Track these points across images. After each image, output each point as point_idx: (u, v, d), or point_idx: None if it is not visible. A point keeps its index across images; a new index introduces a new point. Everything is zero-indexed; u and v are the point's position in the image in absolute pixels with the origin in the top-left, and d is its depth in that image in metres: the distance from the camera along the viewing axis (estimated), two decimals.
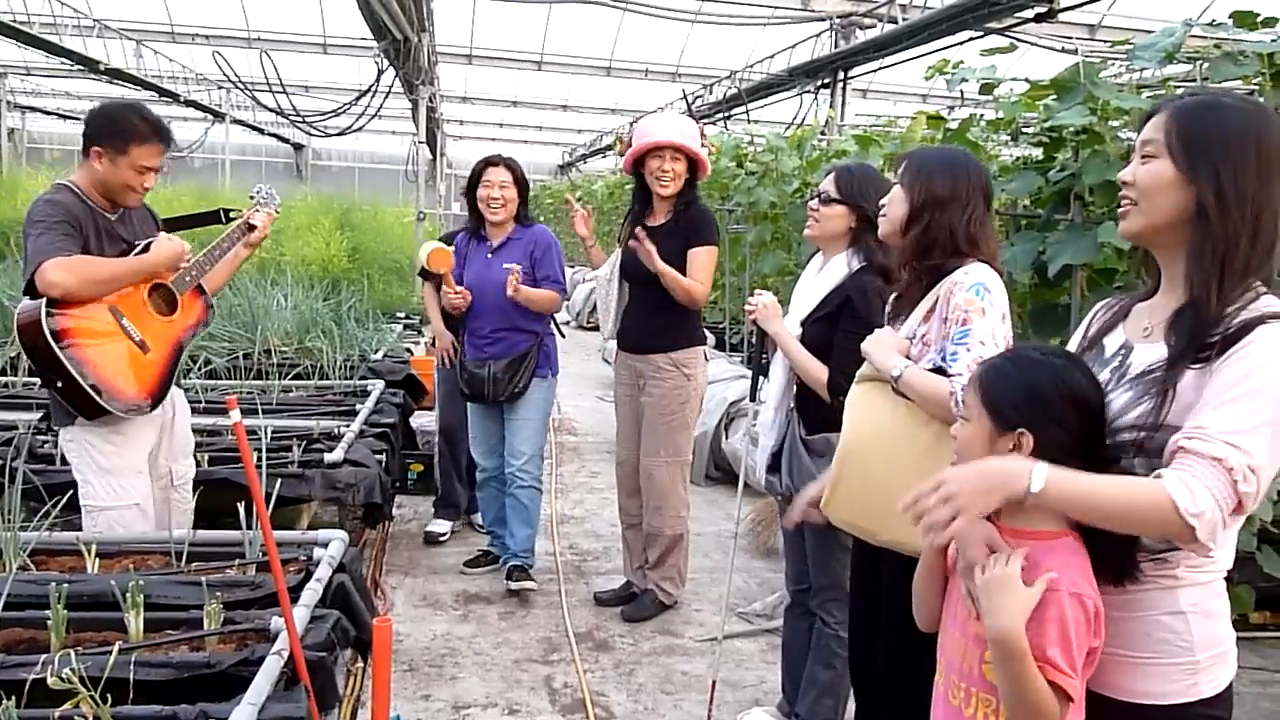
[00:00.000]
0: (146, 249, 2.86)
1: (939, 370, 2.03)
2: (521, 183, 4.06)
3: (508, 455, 4.05)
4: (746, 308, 2.77)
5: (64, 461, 3.39)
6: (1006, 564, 1.45)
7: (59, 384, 2.65)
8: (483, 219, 4.06)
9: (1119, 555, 1.47)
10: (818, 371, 2.59)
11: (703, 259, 3.62)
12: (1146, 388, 1.47)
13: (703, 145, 3.65)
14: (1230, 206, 1.44)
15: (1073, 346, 1.70)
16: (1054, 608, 1.41)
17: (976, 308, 2.01)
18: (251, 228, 3.18)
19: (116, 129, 2.76)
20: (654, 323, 3.70)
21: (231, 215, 3.26)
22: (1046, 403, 1.48)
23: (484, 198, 4.00)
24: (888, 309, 2.34)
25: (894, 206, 2.21)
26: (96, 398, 2.66)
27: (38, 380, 4.76)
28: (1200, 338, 1.42)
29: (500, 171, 4.01)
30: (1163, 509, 1.34)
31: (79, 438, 2.79)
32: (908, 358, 2.11)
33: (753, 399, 2.87)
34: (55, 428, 2.91)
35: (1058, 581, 1.42)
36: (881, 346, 2.15)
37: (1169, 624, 1.48)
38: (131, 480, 2.83)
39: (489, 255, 4.04)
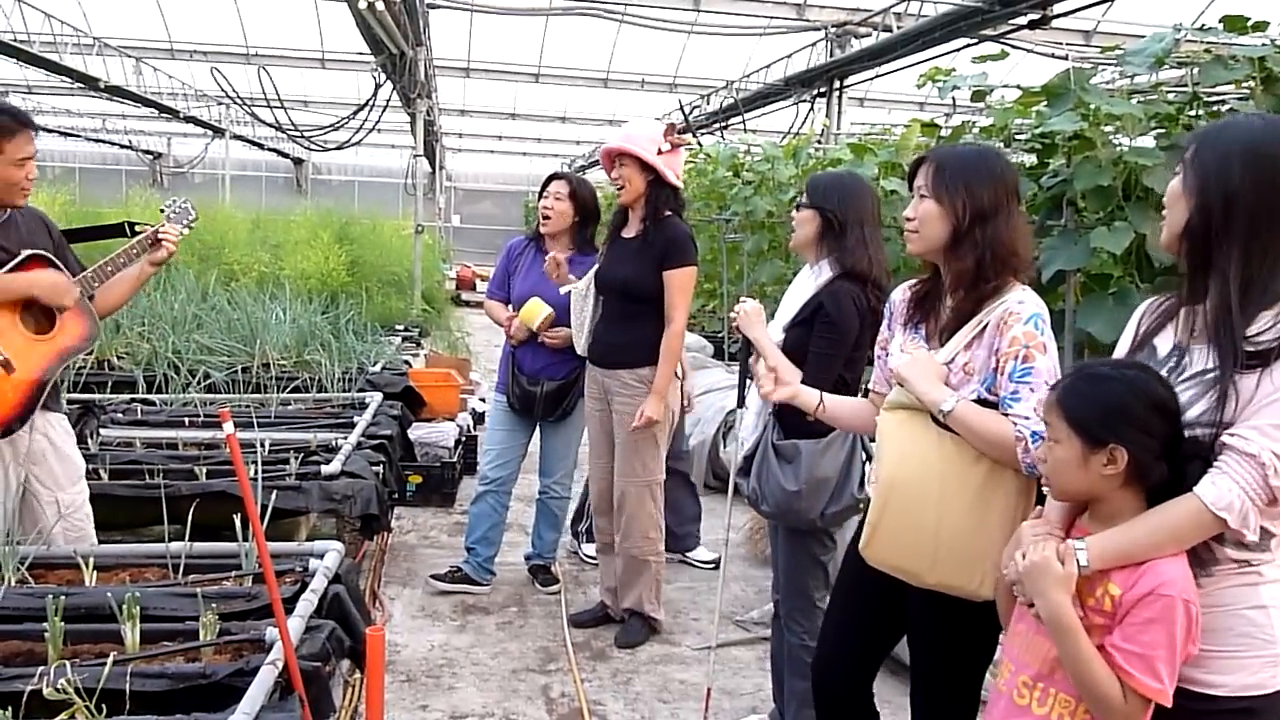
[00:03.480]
0: (21, 262, 2.72)
1: (984, 403, 1.93)
2: (579, 200, 4.02)
3: (543, 471, 4.25)
4: (731, 314, 2.80)
5: None
6: (1044, 550, 1.56)
7: None
8: (542, 233, 4.11)
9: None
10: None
11: (680, 282, 3.47)
12: (1205, 388, 1.53)
13: (668, 141, 3.43)
14: (1219, 223, 1.54)
15: (1123, 346, 1.74)
16: (1165, 611, 1.48)
17: (1038, 343, 1.89)
18: (157, 243, 2.92)
19: None
20: (623, 337, 3.58)
21: (137, 229, 3.00)
22: (1132, 415, 1.54)
23: (540, 207, 4.09)
24: (903, 312, 2.19)
25: (930, 224, 2.02)
26: None
27: None
28: (1237, 342, 1.49)
29: (560, 185, 4.05)
30: (1199, 515, 1.48)
31: None
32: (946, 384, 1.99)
33: (740, 405, 2.88)
34: None
35: (1171, 585, 1.48)
36: (923, 374, 1.99)
37: (1252, 618, 1.52)
38: None
39: (545, 271, 4.03)
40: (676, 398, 3.72)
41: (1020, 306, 1.93)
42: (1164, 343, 1.65)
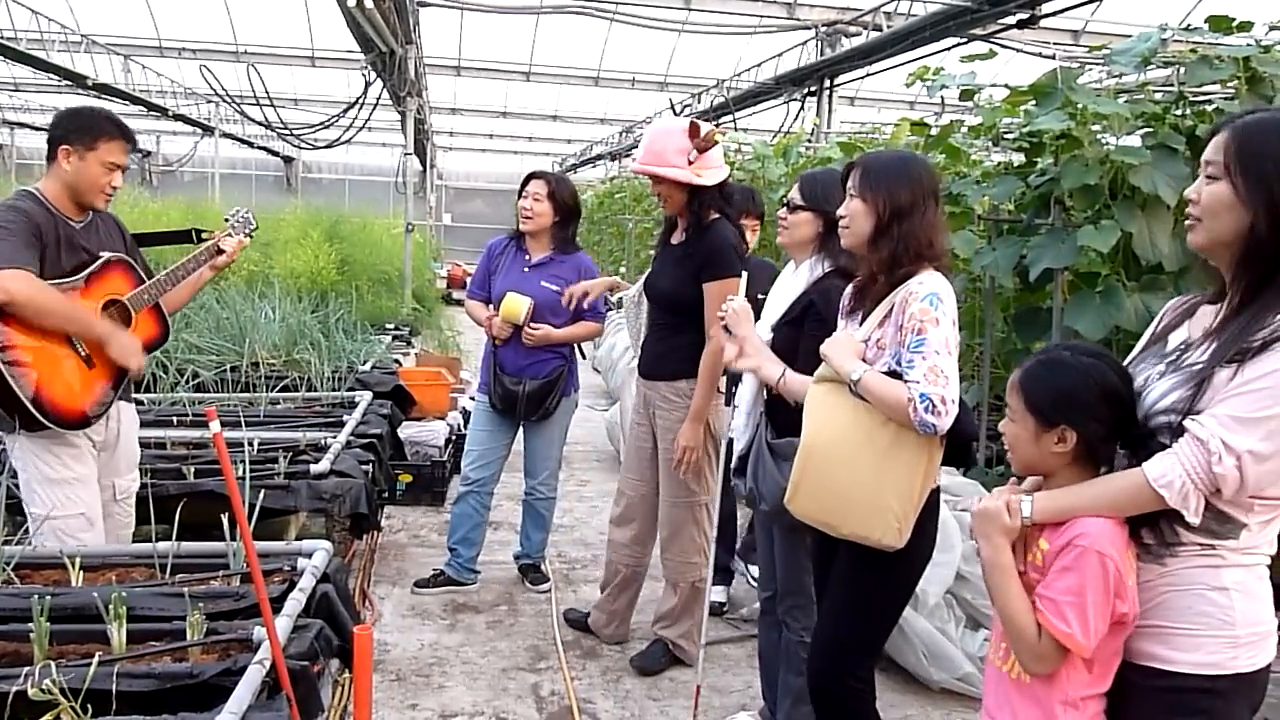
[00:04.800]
0: (102, 265, 2.83)
1: (894, 374, 2.14)
2: (558, 200, 4.00)
3: (528, 472, 4.23)
4: (719, 313, 2.75)
5: None
6: (996, 500, 1.72)
7: None
8: (522, 232, 4.09)
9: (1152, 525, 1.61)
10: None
11: (717, 293, 3.14)
12: (1187, 378, 1.58)
13: (696, 147, 3.22)
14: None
15: (1143, 340, 1.82)
16: (1078, 560, 1.60)
17: (931, 318, 2.12)
18: (219, 251, 3.14)
19: (84, 125, 2.77)
20: (665, 346, 3.43)
21: (203, 236, 3.23)
22: (1081, 401, 1.66)
23: (519, 207, 4.07)
24: (845, 303, 2.42)
25: (857, 220, 2.27)
26: (33, 410, 2.64)
27: None
28: (1238, 342, 1.53)
29: (539, 184, 4.03)
30: (1140, 487, 1.56)
31: (25, 447, 2.76)
32: (863, 360, 2.22)
33: (728, 403, 2.88)
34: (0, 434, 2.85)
35: (1085, 536, 1.60)
36: (840, 350, 2.24)
37: (1212, 598, 1.57)
38: (78, 490, 2.80)
39: (525, 269, 4.03)
40: (724, 417, 3.38)
41: (919, 287, 2.16)
42: (1176, 337, 1.70)
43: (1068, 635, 1.60)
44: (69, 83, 12.86)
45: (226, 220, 3.28)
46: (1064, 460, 1.69)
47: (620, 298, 3.73)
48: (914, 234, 2.21)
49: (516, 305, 3.92)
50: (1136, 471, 1.57)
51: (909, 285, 2.18)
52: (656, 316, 3.50)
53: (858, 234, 2.28)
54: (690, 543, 3.46)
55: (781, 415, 2.60)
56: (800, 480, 2.26)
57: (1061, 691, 1.65)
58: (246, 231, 3.27)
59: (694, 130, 3.24)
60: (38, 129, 22.35)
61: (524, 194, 4.05)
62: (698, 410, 3.30)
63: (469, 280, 4.42)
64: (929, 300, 2.13)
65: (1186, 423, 1.53)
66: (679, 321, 3.38)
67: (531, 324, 3.93)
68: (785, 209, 2.80)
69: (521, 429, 4.17)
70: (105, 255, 2.87)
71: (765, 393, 2.68)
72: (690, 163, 3.23)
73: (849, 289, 2.42)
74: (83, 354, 2.79)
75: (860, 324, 2.31)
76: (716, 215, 3.33)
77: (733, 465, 2.81)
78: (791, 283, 2.77)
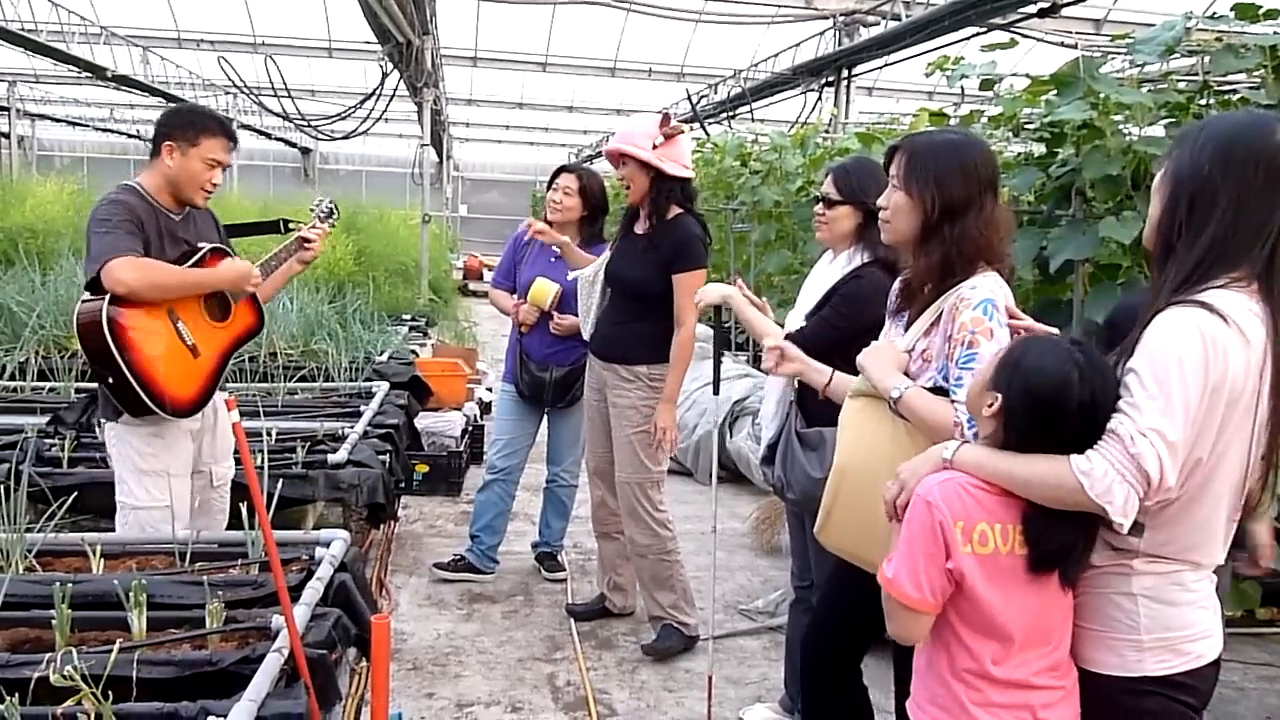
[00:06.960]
0: (204, 255, 2.88)
1: (940, 390, 1.91)
2: (588, 195, 4.02)
3: (551, 459, 4.26)
4: (769, 345, 2.53)
5: (70, 465, 3.44)
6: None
7: (110, 379, 2.71)
8: (550, 222, 4.08)
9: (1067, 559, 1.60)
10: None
11: (688, 285, 3.30)
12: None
13: (663, 133, 3.33)
14: (1184, 215, 1.59)
15: None
16: (910, 511, 1.62)
17: (984, 329, 1.87)
18: (305, 244, 3.19)
19: (187, 122, 2.85)
20: (627, 330, 3.50)
21: (290, 226, 3.30)
22: (1022, 389, 1.58)
23: (547, 199, 4.09)
24: (892, 301, 2.19)
25: (900, 216, 2.02)
26: (144, 397, 2.71)
27: (46, 385, 4.80)
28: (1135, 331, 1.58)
29: (569, 178, 4.05)
30: (1062, 468, 1.50)
31: (121, 436, 2.84)
32: (905, 373, 1.99)
33: (716, 393, 2.86)
34: (100, 420, 2.96)
35: (922, 486, 1.61)
36: (880, 362, 2.00)
37: (1119, 603, 1.61)
38: (166, 482, 2.86)
39: (552, 260, 4.03)
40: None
41: (972, 292, 1.91)
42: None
43: (889, 582, 1.60)
44: (89, 74, 12.94)
45: (311, 210, 3.35)
46: (988, 426, 1.62)
47: (575, 275, 3.74)
48: (968, 235, 1.93)
49: (545, 289, 3.94)
50: (1062, 458, 1.50)
51: (960, 289, 1.93)
52: (616, 302, 3.57)
53: (900, 231, 2.03)
54: (647, 515, 3.53)
55: (813, 405, 2.54)
56: (832, 508, 2.03)
57: (949, 661, 1.63)
58: (331, 221, 3.37)
59: (664, 120, 3.39)
60: (58, 121, 22.54)
61: (554, 186, 4.07)
62: (670, 394, 3.42)
63: (486, 271, 4.43)
64: (982, 308, 1.88)
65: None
66: (640, 309, 3.47)
67: (558, 313, 3.96)
68: (821, 204, 2.74)
69: (545, 417, 4.19)
70: (204, 245, 2.92)
71: (795, 381, 2.62)
72: (655, 147, 3.35)
73: (896, 284, 2.17)
74: (189, 343, 2.85)
75: (906, 329, 2.08)
76: (680, 210, 3.43)
77: (761, 454, 2.79)
78: (828, 273, 2.74)
